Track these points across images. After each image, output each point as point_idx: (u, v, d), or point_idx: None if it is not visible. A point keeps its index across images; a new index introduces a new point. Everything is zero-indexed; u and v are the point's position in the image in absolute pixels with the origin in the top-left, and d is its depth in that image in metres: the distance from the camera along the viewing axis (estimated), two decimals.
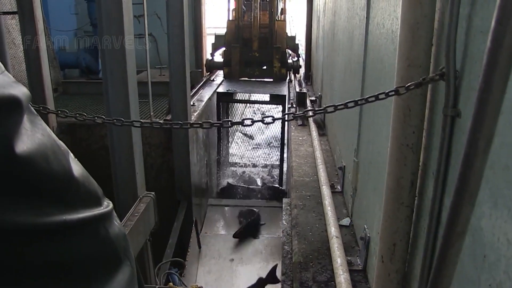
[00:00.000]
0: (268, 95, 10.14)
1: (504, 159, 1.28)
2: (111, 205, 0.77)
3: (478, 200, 1.23)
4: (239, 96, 10.91)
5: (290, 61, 12.08)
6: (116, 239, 0.75)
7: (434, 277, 1.09)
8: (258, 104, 11.71)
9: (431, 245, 1.83)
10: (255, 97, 11.25)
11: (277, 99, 9.88)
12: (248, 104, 13.09)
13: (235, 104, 11.75)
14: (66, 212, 0.64)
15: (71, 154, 0.71)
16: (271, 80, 11.40)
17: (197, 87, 9.64)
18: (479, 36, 1.49)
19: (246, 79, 11.52)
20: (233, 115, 11.95)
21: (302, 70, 12.20)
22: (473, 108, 0.88)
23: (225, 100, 10.28)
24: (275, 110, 11.59)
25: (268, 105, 10.43)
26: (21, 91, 0.63)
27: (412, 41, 1.83)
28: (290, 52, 12.40)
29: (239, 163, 11.75)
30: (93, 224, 0.70)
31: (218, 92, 9.78)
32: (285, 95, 9.83)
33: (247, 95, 11.13)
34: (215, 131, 10.08)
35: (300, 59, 12.54)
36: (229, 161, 11.68)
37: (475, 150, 0.85)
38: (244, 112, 14.15)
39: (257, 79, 11.51)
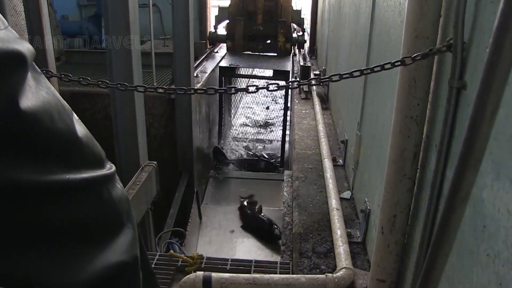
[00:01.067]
0: (272, 71, 10.03)
1: (509, 130, 1.28)
2: (113, 168, 0.77)
3: (481, 171, 1.23)
4: (242, 71, 10.78)
5: (295, 35, 11.91)
6: (119, 201, 0.75)
7: (434, 244, 1.11)
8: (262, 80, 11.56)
9: (431, 217, 1.84)
10: (258, 72, 11.12)
11: (280, 75, 9.77)
12: (251, 80, 12.94)
13: (238, 80, 11.62)
14: (70, 171, 0.64)
15: (75, 115, 0.71)
16: (275, 54, 11.28)
17: (201, 59, 9.57)
18: (489, 7, 1.47)
19: (250, 53, 11.38)
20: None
21: (306, 45, 12.06)
22: (481, 74, 0.87)
23: (227, 75, 10.16)
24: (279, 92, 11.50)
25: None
26: (25, 47, 0.62)
27: (420, 12, 1.80)
28: (295, 26, 12.23)
29: (241, 137, 11.74)
30: (96, 185, 0.70)
31: (220, 67, 9.68)
32: (289, 71, 9.74)
33: (250, 70, 11.00)
34: (217, 104, 10.03)
35: (305, 33, 12.37)
36: (231, 135, 11.67)
37: (482, 116, 0.85)
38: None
39: (260, 54, 11.37)
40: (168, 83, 7.43)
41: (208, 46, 11.61)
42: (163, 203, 5.78)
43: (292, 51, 11.68)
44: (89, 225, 0.68)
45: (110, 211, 0.73)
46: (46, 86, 0.65)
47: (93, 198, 0.69)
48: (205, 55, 10.18)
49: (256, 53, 11.36)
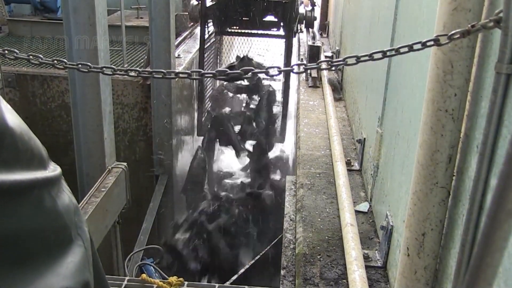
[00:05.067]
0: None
1: None
2: (59, 170, 0.75)
3: None
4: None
5: (302, 11, 11.82)
6: (66, 212, 0.73)
7: (474, 269, 1.09)
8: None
9: (470, 236, 1.82)
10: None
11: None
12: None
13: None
14: None
15: (5, 102, 0.69)
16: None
17: (184, 35, 9.55)
18: None
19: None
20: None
21: (316, 22, 12.00)
22: None
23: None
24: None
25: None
26: None
27: None
28: None
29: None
30: (35, 190, 0.68)
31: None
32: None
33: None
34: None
35: (316, 6, 12.33)
36: None
37: None
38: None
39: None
40: (142, 65, 7.40)
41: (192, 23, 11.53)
42: (134, 214, 5.77)
43: (299, 29, 11.60)
44: (25, 241, 0.66)
45: (53, 224, 0.71)
46: None
47: (30, 206, 0.67)
48: (189, 31, 10.15)
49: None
